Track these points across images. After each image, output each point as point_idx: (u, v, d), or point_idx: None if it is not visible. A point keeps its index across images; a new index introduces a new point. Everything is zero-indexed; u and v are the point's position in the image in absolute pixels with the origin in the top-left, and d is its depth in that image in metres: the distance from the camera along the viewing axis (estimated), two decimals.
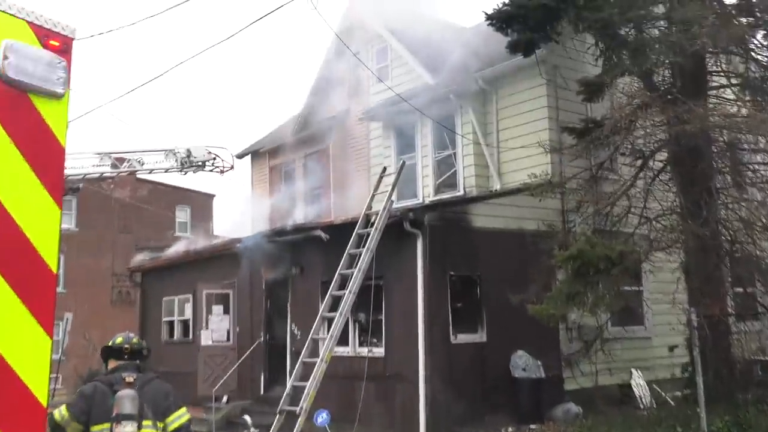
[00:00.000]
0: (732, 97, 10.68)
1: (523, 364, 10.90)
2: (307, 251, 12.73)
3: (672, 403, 11.79)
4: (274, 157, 19.93)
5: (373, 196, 11.37)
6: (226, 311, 14.83)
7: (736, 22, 10.33)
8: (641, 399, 12.12)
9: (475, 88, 13.91)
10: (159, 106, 58.74)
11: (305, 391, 9.18)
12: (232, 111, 59.47)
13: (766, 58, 10.57)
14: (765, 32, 10.53)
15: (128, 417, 3.62)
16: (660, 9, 10.69)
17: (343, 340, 10.77)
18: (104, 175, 15.13)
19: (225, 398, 13.97)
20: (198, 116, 59.58)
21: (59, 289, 26.08)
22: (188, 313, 16.02)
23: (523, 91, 13.27)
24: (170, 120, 58.04)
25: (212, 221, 31.18)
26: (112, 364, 3.98)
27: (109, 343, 4.05)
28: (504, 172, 13.57)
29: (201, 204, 32.19)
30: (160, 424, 3.78)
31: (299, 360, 10.00)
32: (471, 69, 13.98)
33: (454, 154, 14.39)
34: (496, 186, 13.50)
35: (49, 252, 2.35)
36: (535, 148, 12.01)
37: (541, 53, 12.08)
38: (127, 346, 3.99)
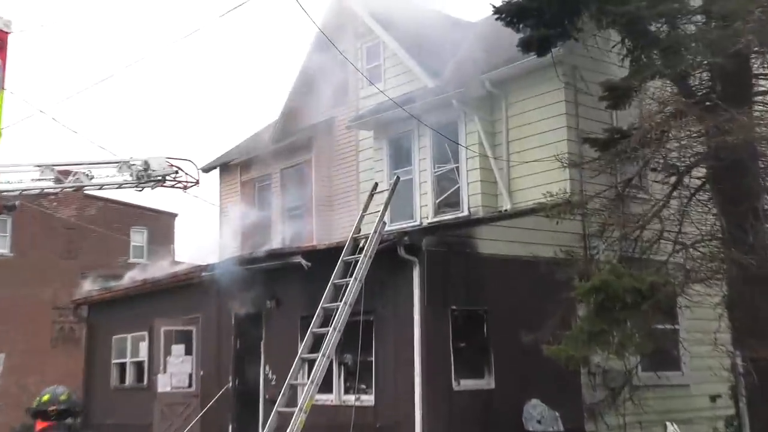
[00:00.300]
0: None
1: (538, 415, 10.83)
2: (284, 281, 12.67)
3: None
4: (246, 170, 19.92)
5: (362, 217, 11.36)
6: (188, 352, 14.70)
7: None
8: None
9: (481, 92, 13.97)
10: (112, 111, 58.83)
11: None
12: (197, 117, 59.61)
13: None
14: None
15: None
16: (697, 1, 10.80)
17: (326, 385, 10.67)
18: (46, 190, 14.99)
19: None
20: (158, 123, 59.69)
21: None
22: (143, 354, 15.87)
23: (537, 96, 13.34)
24: (125, 128, 58.06)
25: (173, 245, 31.06)
26: (39, 425, 3.97)
27: (34, 403, 4.03)
28: (515, 190, 13.58)
29: (160, 225, 32.08)
30: None
31: (274, 409, 9.90)
32: (477, 70, 14.06)
33: (457, 168, 14.42)
34: (506, 206, 13.51)
35: None
36: (552, 162, 12.03)
37: (559, 53, 12.16)
38: (53, 407, 3.97)
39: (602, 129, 11.62)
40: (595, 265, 10.55)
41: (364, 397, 11.10)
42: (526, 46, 11.40)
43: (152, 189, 14.97)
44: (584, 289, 9.37)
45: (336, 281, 10.37)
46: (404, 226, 13.80)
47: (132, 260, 29.57)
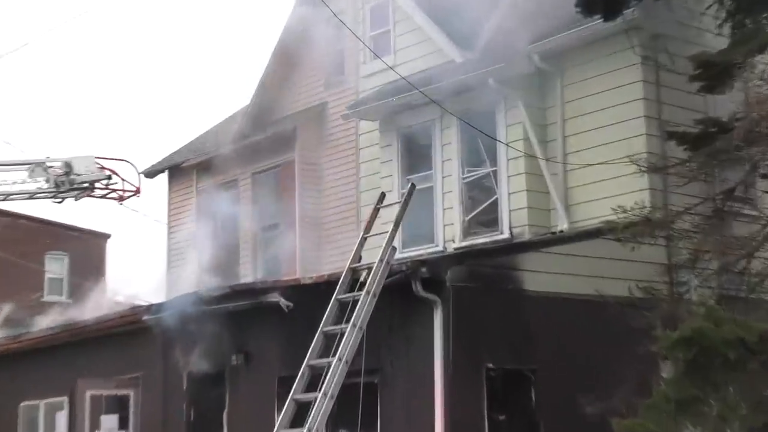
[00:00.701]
0: None
1: None
2: (256, 328, 12.65)
3: None
4: (205, 174, 19.96)
5: (363, 239, 11.34)
6: (123, 425, 14.67)
7: None
8: None
9: (528, 69, 13.99)
10: (21, 94, 59.05)
11: None
12: (139, 102, 59.77)
13: None
14: None
15: None
16: None
17: None
18: None
19: None
20: (86, 112, 59.92)
21: None
22: (61, 428, 15.82)
23: (604, 75, 13.36)
24: (40, 118, 58.28)
25: (105, 278, 31.04)
26: None
27: None
28: (574, 204, 13.58)
29: (87, 250, 32.10)
30: None
31: None
32: (522, 40, 14.05)
33: (495, 173, 14.42)
34: (562, 225, 13.51)
35: None
36: (624, 166, 12.02)
37: (633, 16, 12.17)
38: None
39: (694, 120, 11.62)
40: (684, 308, 10.52)
41: None
42: (588, 7, 11.43)
43: (76, 200, 15.01)
44: (670, 340, 9.32)
45: (327, 329, 10.33)
46: (422, 252, 13.77)
47: (48, 298, 29.59)
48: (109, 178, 14.74)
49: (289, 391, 10.29)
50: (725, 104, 11.86)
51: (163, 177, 21.25)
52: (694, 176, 11.23)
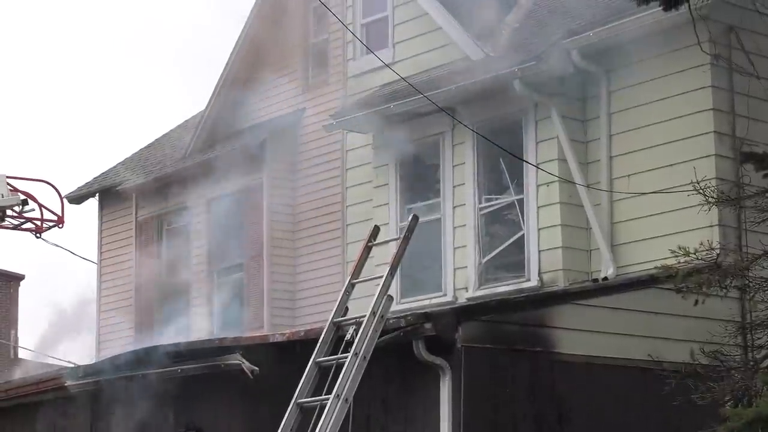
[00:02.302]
0: None
1: None
2: (210, 399, 12.65)
3: None
4: (147, 200, 19.92)
5: (350, 286, 11.35)
6: None
7: None
8: None
9: (565, 69, 14.05)
10: None
11: None
12: (60, 107, 59.66)
13: None
14: None
15: None
16: None
17: None
18: None
19: None
20: None
21: None
22: None
23: (662, 79, 13.44)
24: None
25: (15, 331, 30.98)
26: None
27: None
28: (621, 243, 13.62)
29: None
30: None
31: None
32: (557, 32, 14.13)
33: (521, 203, 14.48)
34: (607, 271, 13.54)
35: None
36: (687, 196, 12.03)
37: (701, 2, 12.23)
38: None
39: None
40: (762, 379, 10.54)
41: None
42: None
43: None
44: (743, 419, 9.36)
45: (303, 401, 10.32)
46: (426, 303, 13.78)
47: None
48: (24, 203, 14.77)
49: None
50: None
51: (93, 203, 21.22)
52: None
